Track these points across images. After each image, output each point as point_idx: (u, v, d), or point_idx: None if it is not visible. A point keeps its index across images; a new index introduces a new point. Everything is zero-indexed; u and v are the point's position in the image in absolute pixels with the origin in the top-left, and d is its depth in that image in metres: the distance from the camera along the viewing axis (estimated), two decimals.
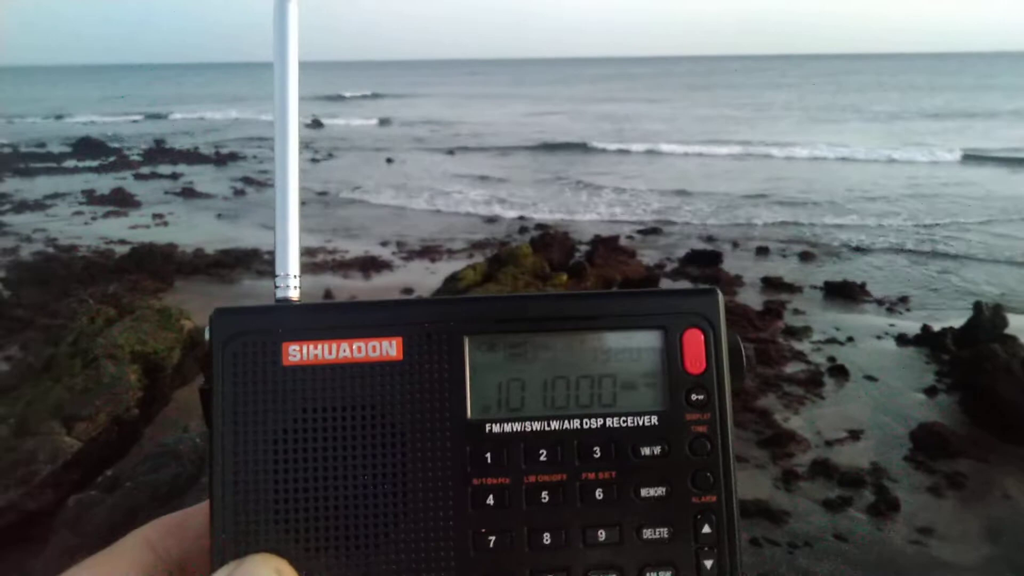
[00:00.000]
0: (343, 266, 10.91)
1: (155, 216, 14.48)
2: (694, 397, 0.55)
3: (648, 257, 10.97)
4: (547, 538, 0.52)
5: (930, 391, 6.61)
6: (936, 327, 7.66)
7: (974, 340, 6.71)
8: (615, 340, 0.55)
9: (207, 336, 0.52)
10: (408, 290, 9.37)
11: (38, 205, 15.52)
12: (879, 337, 7.86)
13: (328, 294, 9.18)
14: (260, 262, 10.84)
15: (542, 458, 0.53)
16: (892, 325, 8.22)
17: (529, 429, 0.54)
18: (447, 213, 15.33)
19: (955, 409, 6.32)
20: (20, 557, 3.95)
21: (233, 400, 0.51)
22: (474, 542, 0.52)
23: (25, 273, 10.11)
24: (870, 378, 6.84)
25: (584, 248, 10.38)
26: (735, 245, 12.04)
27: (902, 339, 7.71)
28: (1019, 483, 5.34)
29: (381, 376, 0.52)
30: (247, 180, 19.14)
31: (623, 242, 10.98)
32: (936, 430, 5.77)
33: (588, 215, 14.62)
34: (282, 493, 0.51)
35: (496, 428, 0.53)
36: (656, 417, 0.54)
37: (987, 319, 6.87)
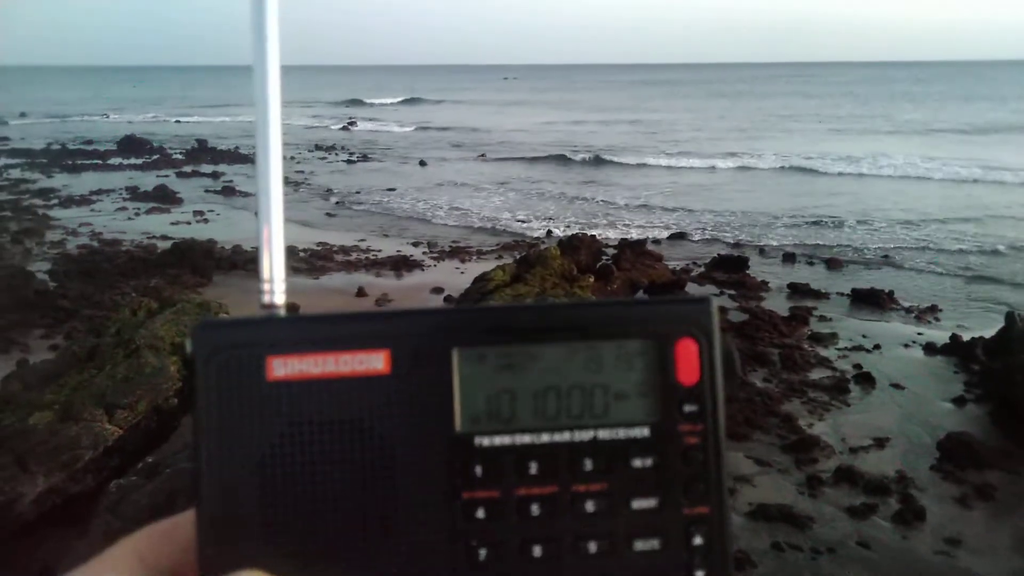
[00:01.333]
0: (376, 264, 11.11)
1: (196, 213, 14.87)
2: (687, 408, 0.54)
3: (674, 262, 10.98)
4: (538, 550, 0.52)
5: (958, 401, 6.54)
6: (965, 337, 7.56)
7: (1006, 351, 6.62)
8: (607, 350, 0.54)
9: (189, 349, 0.51)
10: (438, 289, 9.52)
11: (84, 200, 16.03)
12: (907, 345, 7.79)
13: (361, 292, 9.37)
14: (296, 259, 11.08)
15: (533, 471, 0.53)
16: (920, 334, 8.14)
17: (519, 442, 0.53)
18: (475, 216, 15.46)
19: (984, 420, 6.25)
20: (63, 538, 4.14)
21: (218, 415, 0.51)
22: (465, 555, 0.52)
23: (71, 266, 10.48)
24: (897, 386, 6.79)
25: (611, 251, 10.43)
26: (761, 251, 11.98)
27: (930, 348, 7.63)
28: None
29: (368, 390, 0.52)
30: (285, 180, 19.44)
31: (650, 246, 11.00)
32: (964, 440, 5.70)
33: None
34: (269, 509, 0.51)
35: (486, 441, 0.53)
36: (648, 428, 0.54)
37: (1019, 330, 6.77)
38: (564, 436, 0.54)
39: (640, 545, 0.53)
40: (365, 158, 25.45)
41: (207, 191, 17.73)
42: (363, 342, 0.52)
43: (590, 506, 0.53)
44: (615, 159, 23.92)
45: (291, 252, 11.35)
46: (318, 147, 27.74)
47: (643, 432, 0.54)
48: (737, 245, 12.36)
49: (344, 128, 36.07)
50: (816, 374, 7.01)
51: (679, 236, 13.13)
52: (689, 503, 0.54)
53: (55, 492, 4.26)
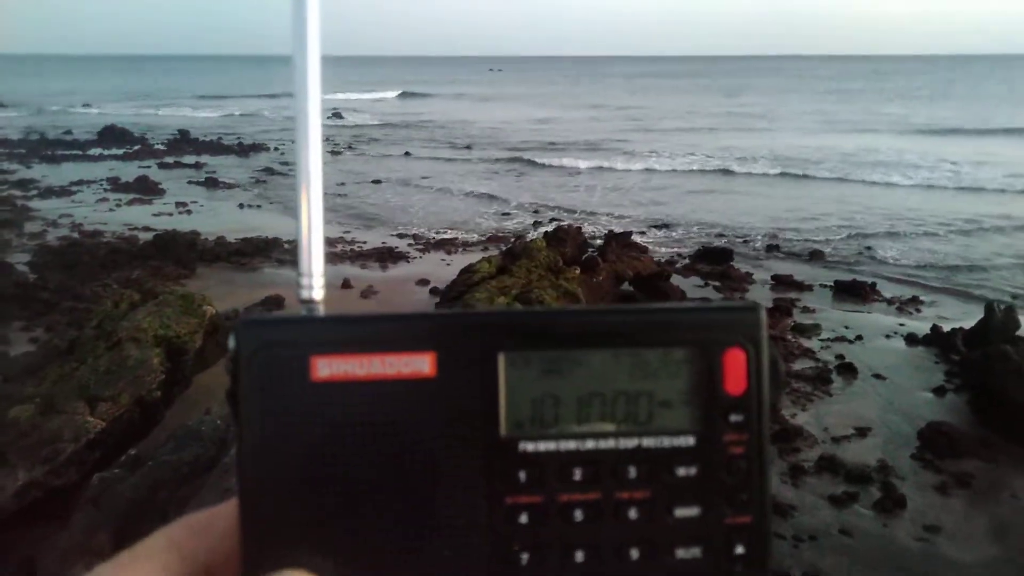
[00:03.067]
0: (361, 256, 11.06)
1: (178, 204, 14.71)
2: (732, 418, 0.54)
3: (659, 255, 11.03)
4: (580, 556, 0.52)
5: (938, 391, 6.63)
6: (946, 327, 7.66)
7: (985, 341, 6.71)
8: (653, 357, 0.54)
9: (231, 344, 0.51)
10: (424, 281, 9.50)
11: (64, 191, 15.82)
12: (888, 336, 7.88)
13: (346, 284, 9.33)
14: (280, 251, 11.01)
15: (576, 477, 0.53)
16: (901, 324, 8.23)
17: (563, 448, 0.53)
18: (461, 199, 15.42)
19: (964, 409, 6.33)
20: (45, 531, 4.11)
21: (261, 413, 0.51)
22: (506, 559, 0.52)
23: (51, 257, 10.35)
24: (878, 376, 6.87)
25: (597, 243, 10.45)
26: (745, 242, 12.05)
27: (911, 339, 7.73)
28: None
29: (413, 393, 0.51)
30: (269, 171, 19.37)
31: (635, 238, 11.03)
32: (944, 430, 5.79)
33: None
34: (311, 509, 0.51)
35: (530, 446, 0.53)
36: (693, 437, 0.54)
37: (999, 320, 6.86)
38: (608, 443, 0.54)
39: (682, 553, 0.53)
40: (351, 148, 25.30)
41: (190, 182, 17.56)
42: (409, 344, 0.52)
43: (633, 513, 0.53)
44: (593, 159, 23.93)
45: (276, 244, 11.28)
46: None
47: (688, 441, 0.54)
48: (721, 236, 12.43)
49: (329, 118, 35.83)
50: (799, 365, 7.08)
51: (664, 226, 13.18)
52: (732, 512, 0.54)
53: (36, 486, 4.23)
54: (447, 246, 11.88)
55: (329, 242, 11.79)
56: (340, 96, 49.41)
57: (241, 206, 15.00)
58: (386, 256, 11.05)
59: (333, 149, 24.50)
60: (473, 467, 0.52)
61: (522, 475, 0.52)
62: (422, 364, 0.52)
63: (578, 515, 0.53)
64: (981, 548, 4.74)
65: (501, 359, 0.52)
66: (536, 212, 14.73)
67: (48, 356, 5.49)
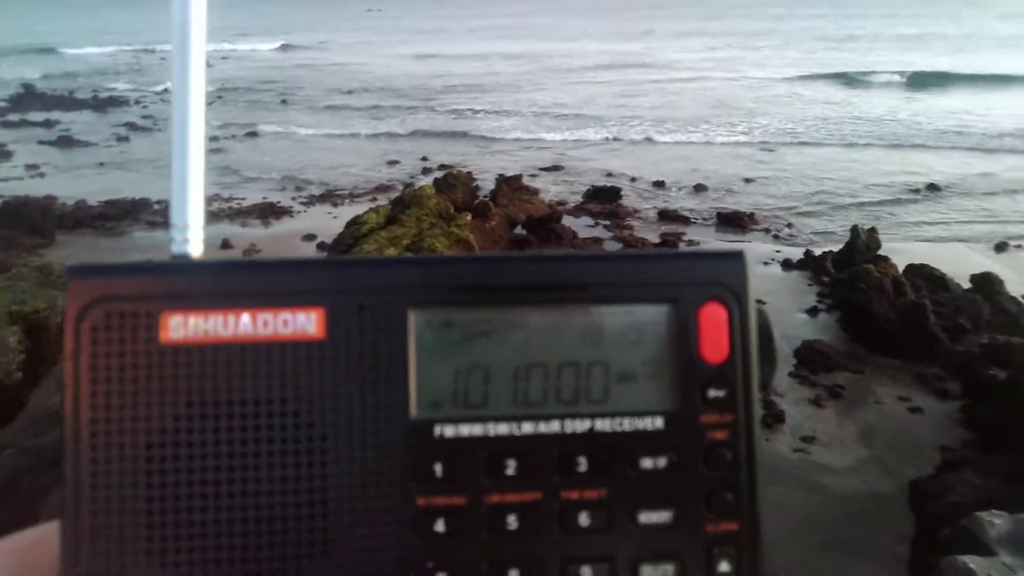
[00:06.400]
0: (241, 214, 10.51)
1: (28, 167, 13.42)
2: (712, 393, 0.43)
3: (551, 194, 11.10)
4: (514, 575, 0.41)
5: (812, 311, 7.10)
6: (817, 252, 8.18)
7: (851, 262, 7.21)
8: (610, 316, 0.43)
9: (62, 302, 0.44)
10: (310, 236, 9.15)
11: None
12: (766, 263, 8.33)
13: (226, 244, 8.85)
14: (150, 212, 10.29)
15: (510, 471, 0.42)
16: (778, 251, 8.71)
17: (493, 432, 0.42)
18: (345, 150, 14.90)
19: (834, 327, 6.83)
20: None
21: (93, 387, 0.40)
22: None
23: None
24: (759, 301, 7.26)
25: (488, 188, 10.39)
26: (633, 180, 12.33)
27: (787, 264, 8.20)
28: (889, 390, 5.87)
29: (295, 360, 0.41)
30: (131, 126, 17.93)
31: (526, 180, 11.04)
32: (818, 347, 6.22)
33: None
34: (157, 515, 0.39)
35: (449, 431, 0.42)
36: (662, 419, 0.43)
37: (863, 242, 7.37)
38: (553, 427, 0.42)
39: (649, 572, 0.42)
40: (220, 99, 23.78)
41: (40, 142, 16.02)
42: (290, 298, 0.41)
43: (584, 519, 0.42)
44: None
45: (144, 205, 10.53)
46: (168, 90, 25.58)
47: (655, 423, 0.43)
48: (610, 175, 12.63)
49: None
50: None
51: (554, 168, 13.25)
52: (713, 517, 0.42)
53: None
54: (333, 198, 11.47)
55: (205, 200, 11.11)
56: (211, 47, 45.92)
57: (102, 165, 13.86)
58: (268, 212, 10.55)
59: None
60: (375, 458, 0.41)
61: (439, 469, 0.42)
62: (307, 323, 0.41)
63: (512, 522, 0.42)
64: (851, 452, 5.19)
65: (412, 318, 0.42)
66: (424, 159, 14.43)
67: None
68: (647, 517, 0.42)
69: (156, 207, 10.43)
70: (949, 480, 4.37)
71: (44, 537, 0.41)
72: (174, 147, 0.44)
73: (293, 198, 11.44)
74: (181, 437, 0.40)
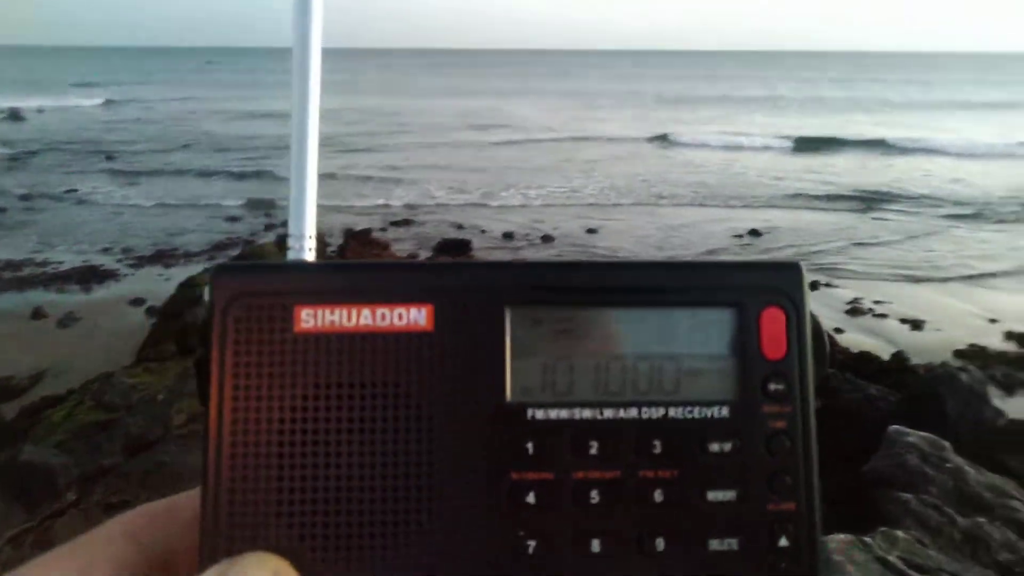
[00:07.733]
0: (57, 279, 9.52)
1: None
2: (772, 387, 0.48)
3: (400, 248, 11.00)
4: (596, 545, 0.46)
5: None
6: None
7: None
8: (680, 318, 0.48)
9: (206, 297, 0.45)
10: (139, 301, 8.43)
11: None
12: None
13: (38, 313, 7.96)
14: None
15: (593, 451, 0.46)
16: None
17: (578, 417, 0.47)
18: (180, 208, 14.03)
19: None
20: None
21: (234, 371, 0.45)
22: (511, 546, 0.45)
23: None
24: None
25: (337, 243, 10.13)
26: (483, 232, 12.52)
27: None
28: None
29: (407, 349, 0.46)
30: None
31: (376, 235, 10.90)
32: None
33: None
34: (286, 482, 0.44)
35: (540, 414, 0.46)
36: (728, 408, 0.47)
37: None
38: (631, 413, 0.47)
39: (716, 545, 0.46)
40: (34, 154, 21.72)
41: None
42: (405, 295, 0.46)
43: (658, 495, 0.46)
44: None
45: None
46: None
47: (721, 412, 0.48)
48: (460, 228, 12.73)
49: (8, 119, 30.42)
50: None
51: (404, 223, 13.18)
52: (774, 498, 0.47)
53: None
54: (165, 258, 10.69)
55: (12, 265, 10.00)
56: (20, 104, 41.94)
57: None
58: (89, 276, 9.63)
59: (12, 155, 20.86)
60: (474, 436, 0.46)
61: (530, 447, 0.46)
62: (419, 317, 0.46)
63: (594, 496, 0.46)
64: None
65: (508, 315, 0.47)
66: (268, 215, 13.87)
67: None
68: (714, 495, 0.47)
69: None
70: None
71: (184, 503, 0.47)
72: (292, 167, 0.51)
73: (119, 260, 10.53)
74: (309, 414, 0.45)
